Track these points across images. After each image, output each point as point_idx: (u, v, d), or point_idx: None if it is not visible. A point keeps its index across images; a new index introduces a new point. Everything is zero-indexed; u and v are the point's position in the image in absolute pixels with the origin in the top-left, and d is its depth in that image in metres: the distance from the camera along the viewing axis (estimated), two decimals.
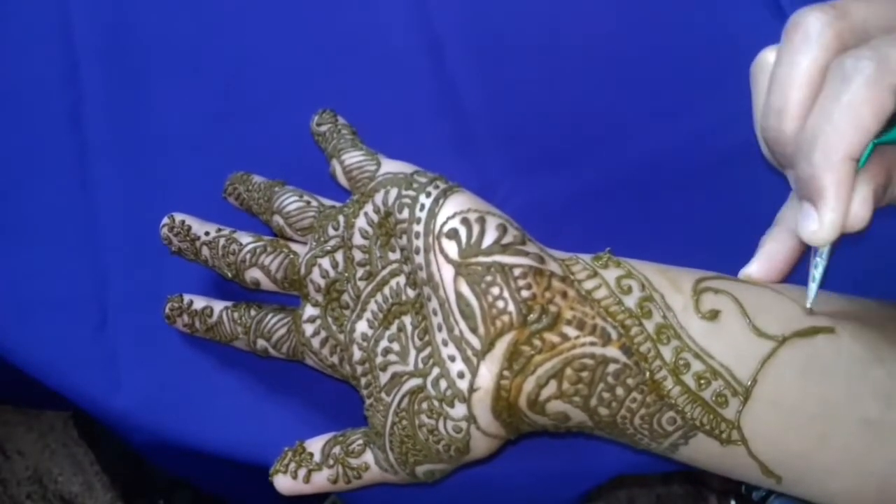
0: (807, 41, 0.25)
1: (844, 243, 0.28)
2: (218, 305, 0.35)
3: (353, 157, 0.33)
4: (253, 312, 0.34)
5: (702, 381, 0.26)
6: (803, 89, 0.25)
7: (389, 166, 0.32)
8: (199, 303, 0.35)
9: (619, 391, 0.27)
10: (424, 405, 0.28)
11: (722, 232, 0.38)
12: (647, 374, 0.26)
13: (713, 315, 0.27)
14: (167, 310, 0.35)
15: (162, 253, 0.37)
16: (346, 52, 0.43)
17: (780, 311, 0.28)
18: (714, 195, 0.39)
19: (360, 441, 0.30)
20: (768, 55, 0.28)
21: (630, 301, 0.27)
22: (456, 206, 0.28)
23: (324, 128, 0.35)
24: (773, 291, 0.29)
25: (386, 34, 0.43)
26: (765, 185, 0.39)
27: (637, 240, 0.37)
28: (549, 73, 0.42)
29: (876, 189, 0.25)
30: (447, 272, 0.27)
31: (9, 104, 0.42)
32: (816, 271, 0.28)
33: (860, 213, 0.25)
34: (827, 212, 0.24)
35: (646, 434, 0.27)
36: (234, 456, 0.34)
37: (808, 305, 0.28)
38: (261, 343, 0.34)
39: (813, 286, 0.28)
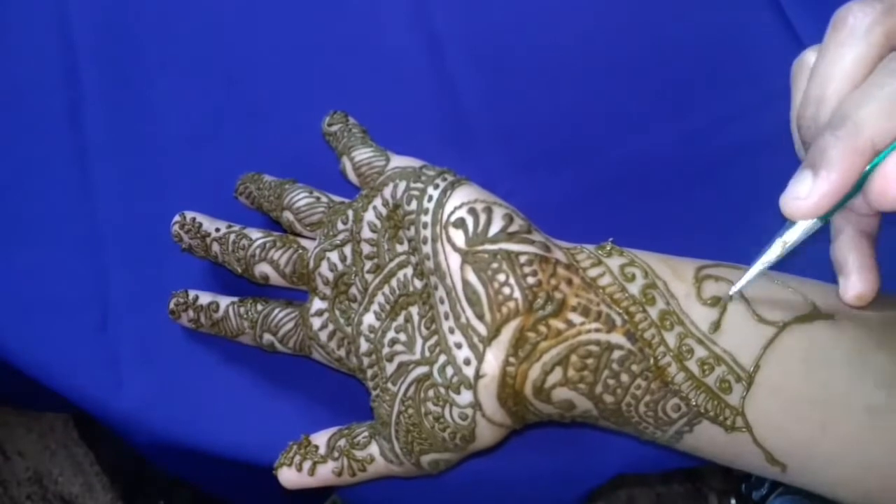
0: (853, 35, 0.25)
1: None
2: (224, 300, 0.35)
3: (363, 154, 0.34)
4: (260, 307, 0.34)
5: (705, 367, 0.27)
6: (844, 82, 0.25)
7: (398, 161, 0.33)
8: (205, 298, 0.35)
9: (624, 378, 0.27)
10: (431, 392, 0.28)
11: (722, 231, 0.38)
12: (652, 360, 0.27)
13: (715, 302, 0.27)
14: (172, 305, 0.35)
15: (163, 253, 0.37)
16: (346, 52, 0.43)
17: (779, 299, 0.28)
18: (714, 194, 0.39)
19: (366, 433, 0.31)
20: (809, 55, 0.27)
21: (634, 288, 0.27)
22: (463, 197, 0.29)
23: (335, 128, 0.36)
24: (771, 279, 0.29)
25: (386, 33, 0.44)
26: (764, 183, 0.39)
27: (636, 238, 0.37)
28: (549, 73, 0.42)
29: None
30: (454, 260, 0.28)
31: (8, 104, 0.42)
32: (769, 253, 0.27)
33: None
34: (823, 181, 0.24)
35: (650, 422, 0.27)
36: (237, 456, 0.34)
37: (733, 291, 0.27)
38: (267, 337, 0.34)
39: (755, 268, 0.27)
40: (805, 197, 0.24)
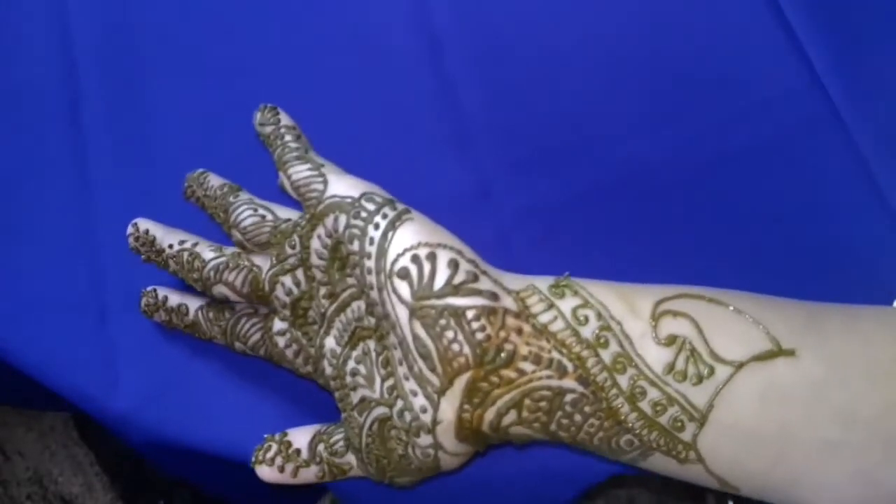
0: None
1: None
2: (193, 304, 0.35)
3: (300, 173, 0.32)
4: (227, 314, 0.34)
5: (658, 408, 0.26)
6: None
7: (337, 187, 0.31)
8: (175, 299, 0.35)
9: (577, 417, 0.27)
10: (393, 433, 0.28)
11: (719, 233, 0.38)
12: (604, 402, 0.26)
13: (671, 341, 0.27)
14: (142, 304, 0.35)
15: None
16: (345, 52, 0.43)
17: (739, 333, 0.27)
18: (712, 196, 0.39)
19: (342, 444, 0.31)
20: None
21: (587, 332, 0.27)
22: (405, 242, 0.28)
23: (267, 129, 0.34)
24: (733, 311, 0.28)
25: (385, 33, 0.43)
26: (763, 186, 0.39)
27: (634, 240, 0.37)
28: (548, 74, 0.42)
29: None
30: (402, 313, 0.27)
31: (8, 104, 0.42)
32: None
33: None
34: None
35: (606, 451, 0.28)
36: (234, 456, 0.34)
37: None
38: (238, 346, 0.34)
39: None
40: None
